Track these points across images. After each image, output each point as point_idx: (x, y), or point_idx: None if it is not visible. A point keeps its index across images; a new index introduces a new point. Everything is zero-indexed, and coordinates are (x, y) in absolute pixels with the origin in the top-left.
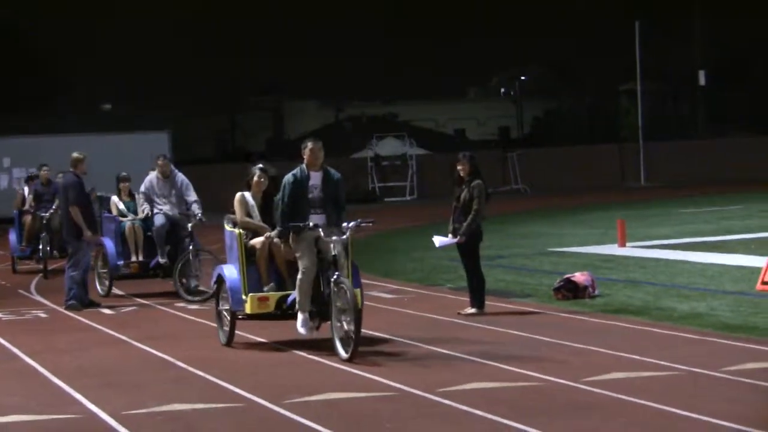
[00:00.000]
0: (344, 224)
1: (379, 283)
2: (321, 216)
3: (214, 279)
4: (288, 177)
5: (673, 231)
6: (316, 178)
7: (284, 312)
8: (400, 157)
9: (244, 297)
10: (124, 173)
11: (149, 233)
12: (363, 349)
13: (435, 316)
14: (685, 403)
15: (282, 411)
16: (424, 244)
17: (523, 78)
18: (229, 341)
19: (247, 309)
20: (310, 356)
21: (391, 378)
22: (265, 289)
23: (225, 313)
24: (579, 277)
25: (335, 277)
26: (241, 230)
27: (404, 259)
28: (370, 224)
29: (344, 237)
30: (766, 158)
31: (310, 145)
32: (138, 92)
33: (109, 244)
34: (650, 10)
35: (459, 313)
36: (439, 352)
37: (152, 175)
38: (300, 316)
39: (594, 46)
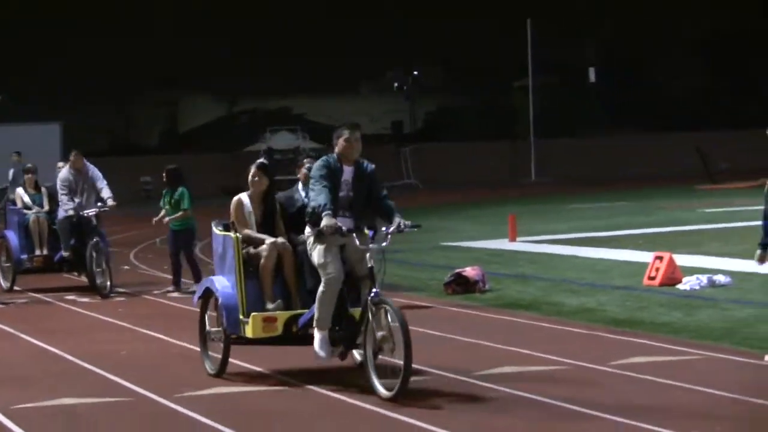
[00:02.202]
0: (382, 229)
1: None
2: (348, 219)
3: (199, 293)
4: (318, 163)
5: (563, 226)
6: (348, 174)
7: (294, 335)
8: (292, 151)
9: (242, 317)
10: (29, 164)
11: (55, 226)
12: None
13: None
14: (574, 398)
15: (172, 405)
16: None
17: (416, 73)
18: (221, 371)
19: (249, 332)
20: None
21: (285, 372)
22: (271, 306)
23: (216, 336)
24: (470, 271)
25: (372, 295)
26: (238, 234)
27: None
28: (416, 229)
29: (383, 244)
30: (657, 156)
31: (346, 134)
32: (31, 83)
33: (12, 237)
34: (544, 7)
35: None
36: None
37: (66, 170)
38: (318, 335)
39: (489, 41)
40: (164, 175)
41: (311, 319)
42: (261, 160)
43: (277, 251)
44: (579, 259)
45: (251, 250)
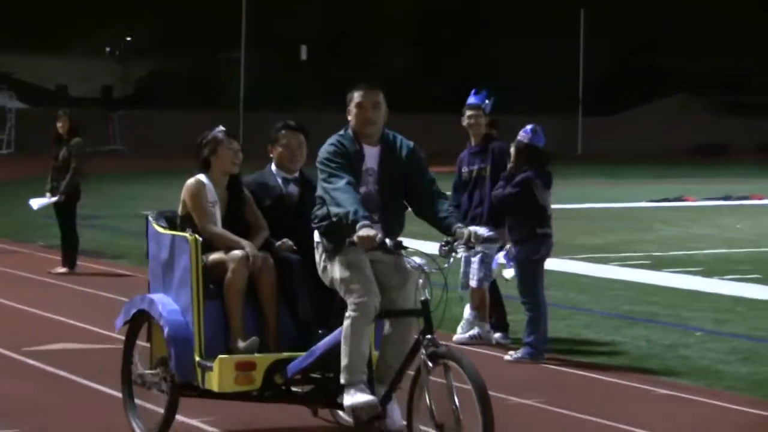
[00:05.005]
0: (443, 243)
1: None
2: (376, 226)
3: (125, 317)
4: (328, 147)
5: None
6: (372, 158)
7: (279, 389)
8: None
9: (200, 359)
10: None
11: None
12: None
13: (23, 274)
14: None
15: None
16: (18, 198)
17: (129, 38)
18: None
19: (213, 383)
20: None
21: None
22: (241, 345)
23: (157, 384)
24: None
25: (427, 343)
26: (197, 236)
27: None
28: (494, 244)
29: (445, 265)
30: None
31: (357, 96)
32: None
33: None
34: None
35: (50, 272)
36: (27, 311)
37: None
38: (352, 394)
39: (208, 10)
40: None
41: (306, 366)
42: (221, 127)
43: (252, 264)
44: None
45: (210, 257)
